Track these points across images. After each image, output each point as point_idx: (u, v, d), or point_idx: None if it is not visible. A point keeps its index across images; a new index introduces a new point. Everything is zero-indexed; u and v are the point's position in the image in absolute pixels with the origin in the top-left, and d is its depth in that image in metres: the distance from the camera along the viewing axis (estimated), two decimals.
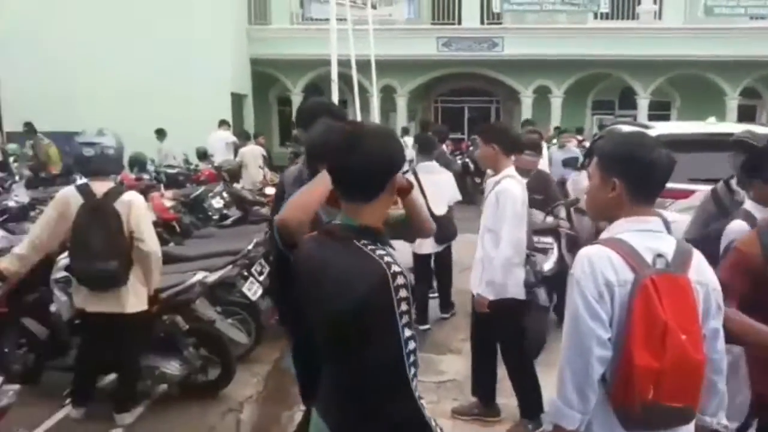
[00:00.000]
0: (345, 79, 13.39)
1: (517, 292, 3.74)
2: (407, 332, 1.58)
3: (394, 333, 1.56)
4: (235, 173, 9.06)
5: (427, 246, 5.51)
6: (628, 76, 18.65)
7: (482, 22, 19.13)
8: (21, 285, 4.38)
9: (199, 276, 4.36)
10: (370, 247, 1.64)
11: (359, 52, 13.00)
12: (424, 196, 5.56)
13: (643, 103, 18.69)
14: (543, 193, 5.26)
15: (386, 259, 1.61)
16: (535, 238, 4.94)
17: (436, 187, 5.50)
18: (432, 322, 5.83)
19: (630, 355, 1.72)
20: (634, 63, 17.84)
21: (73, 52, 14.99)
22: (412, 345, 1.59)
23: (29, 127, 12.30)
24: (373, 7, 15.07)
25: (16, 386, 2.66)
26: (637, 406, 1.73)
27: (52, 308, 4.39)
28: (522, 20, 18.73)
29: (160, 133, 12.53)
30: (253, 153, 10.31)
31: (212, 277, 4.53)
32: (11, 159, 11.70)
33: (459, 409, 4.13)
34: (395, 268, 1.59)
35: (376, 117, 14.17)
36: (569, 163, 6.80)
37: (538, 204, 5.16)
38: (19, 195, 7.04)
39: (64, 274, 4.25)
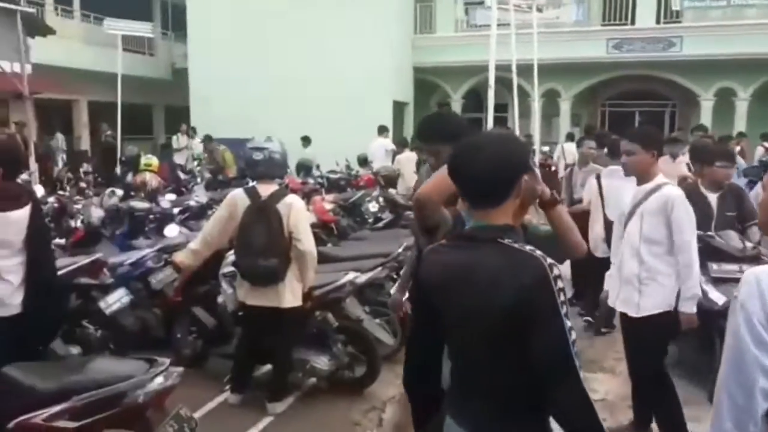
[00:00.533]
0: (506, 84, 13.22)
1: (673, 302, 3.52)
2: (568, 322, 1.59)
3: (559, 323, 1.58)
4: (391, 179, 9.30)
5: (601, 249, 5.26)
6: None
7: (658, 22, 17.89)
8: (194, 277, 4.83)
9: (350, 276, 4.53)
10: (516, 244, 1.67)
11: (523, 56, 12.77)
12: (602, 200, 5.38)
13: None
14: (737, 209, 4.75)
15: (538, 252, 1.63)
16: (735, 266, 4.45)
17: (616, 192, 5.21)
18: (586, 338, 5.54)
19: None
20: None
21: (249, 67, 16.45)
22: (574, 335, 1.60)
23: (207, 137, 13.78)
24: (539, 10, 14.70)
25: (181, 368, 2.93)
26: None
27: (220, 300, 4.80)
28: (704, 17, 17.24)
29: (305, 140, 13.29)
30: (408, 159, 10.51)
31: (362, 278, 4.68)
32: (195, 163, 13.01)
33: (609, 430, 3.88)
34: (550, 260, 1.62)
35: (536, 122, 13.82)
36: (750, 173, 6.08)
37: (730, 223, 4.69)
38: (199, 195, 7.81)
39: (231, 269, 4.62)
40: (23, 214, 3.53)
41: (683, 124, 18.02)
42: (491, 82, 9.26)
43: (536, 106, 14.09)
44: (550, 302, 1.58)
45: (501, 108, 15.96)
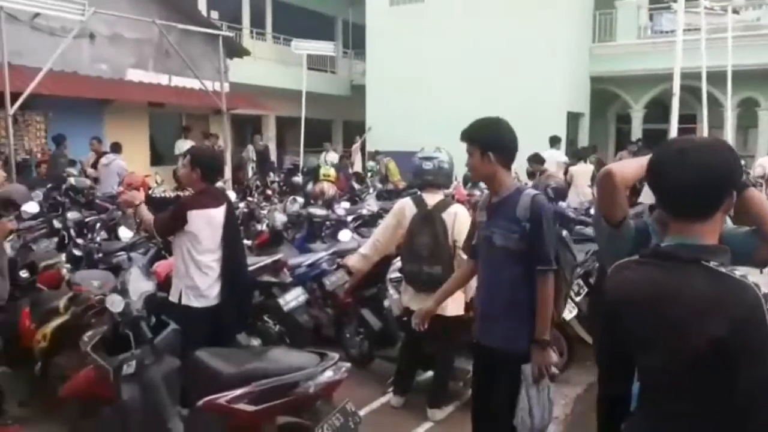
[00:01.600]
0: (695, 93, 12.26)
1: None
2: None
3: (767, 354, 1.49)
4: (561, 192, 8.99)
5: None
6: None
7: None
8: (363, 280, 5.05)
9: None
10: (723, 268, 1.52)
11: (715, 63, 11.75)
12: None
13: None
14: None
15: (750, 279, 1.49)
16: None
17: None
18: None
19: None
20: None
21: (423, 82, 16.91)
22: None
23: (376, 152, 14.45)
24: (735, 12, 13.44)
25: (348, 364, 3.08)
26: None
27: (386, 303, 4.96)
28: None
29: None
30: (583, 172, 10.08)
31: None
32: (369, 174, 13.60)
33: None
34: (763, 290, 1.50)
35: (730, 134, 12.61)
36: None
37: None
38: (371, 204, 8.14)
39: (397, 274, 4.76)
40: (220, 213, 3.97)
41: None
42: (676, 90, 8.64)
43: (729, 116, 12.86)
44: (762, 336, 1.46)
45: (688, 119, 14.78)
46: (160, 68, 14.46)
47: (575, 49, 17.11)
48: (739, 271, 1.53)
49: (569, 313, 4.84)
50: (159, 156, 15.04)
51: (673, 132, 9.20)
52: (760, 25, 15.77)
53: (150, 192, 8.23)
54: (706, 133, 11.61)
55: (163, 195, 8.76)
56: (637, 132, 17.79)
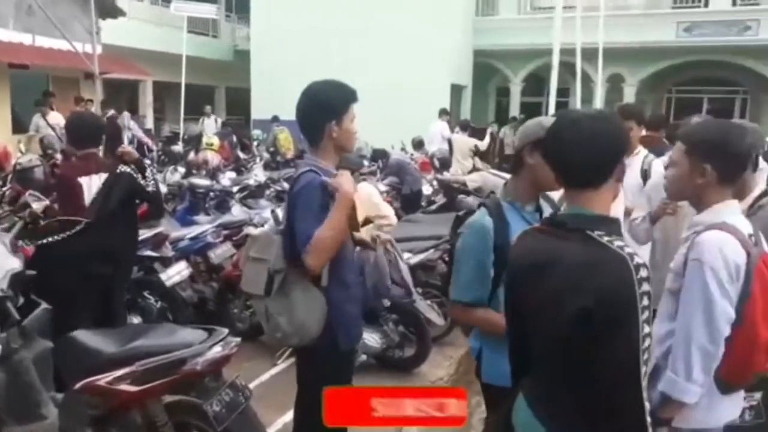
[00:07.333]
0: (568, 68, 12.92)
1: None
2: (646, 329, 1.48)
3: (633, 329, 1.46)
4: (446, 162, 9.24)
5: None
6: None
7: (734, 4, 17.11)
8: None
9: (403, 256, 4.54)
10: (606, 238, 1.54)
11: (587, 40, 12.42)
12: None
13: None
14: None
15: (627, 249, 1.51)
16: None
17: None
18: None
19: (755, 331, 1.93)
20: None
21: (309, 50, 16.58)
22: (647, 342, 1.49)
23: (274, 118, 13.96)
24: None
25: (238, 339, 3.01)
26: (752, 376, 2.01)
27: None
28: None
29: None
30: (464, 143, 10.40)
31: (415, 259, 4.70)
32: (255, 143, 13.25)
33: None
34: (638, 260, 1.49)
35: (598, 107, 13.43)
36: None
37: None
38: (258, 174, 7.96)
39: None
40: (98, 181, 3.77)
41: (755, 112, 17.23)
42: (555, 63, 9.07)
43: (599, 90, 13.69)
44: (628, 308, 1.46)
45: (562, 93, 15.60)
46: (22, 27, 13.22)
47: (460, 22, 17.48)
48: (620, 242, 1.54)
49: None
50: (22, 123, 13.81)
51: (552, 105, 9.67)
52: (627, 5, 16.85)
53: (16, 162, 7.52)
54: (579, 107, 12.31)
55: (30, 165, 8.06)
56: (515, 105, 18.58)
